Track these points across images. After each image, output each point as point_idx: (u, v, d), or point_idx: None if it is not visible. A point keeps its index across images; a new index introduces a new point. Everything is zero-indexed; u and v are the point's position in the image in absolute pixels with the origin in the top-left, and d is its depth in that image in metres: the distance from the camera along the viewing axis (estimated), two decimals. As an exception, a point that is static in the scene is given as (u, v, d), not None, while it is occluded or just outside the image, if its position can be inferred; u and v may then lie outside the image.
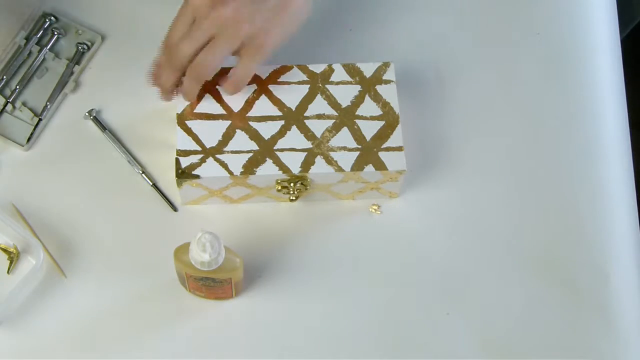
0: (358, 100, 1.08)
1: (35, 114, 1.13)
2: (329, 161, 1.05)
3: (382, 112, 1.08)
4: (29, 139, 1.12)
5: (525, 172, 1.13)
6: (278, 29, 1.01)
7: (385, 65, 1.10)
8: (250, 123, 1.07)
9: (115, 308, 1.05)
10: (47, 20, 1.17)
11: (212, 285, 1.00)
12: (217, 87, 1.07)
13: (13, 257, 1.07)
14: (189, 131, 1.06)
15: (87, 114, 1.13)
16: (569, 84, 1.18)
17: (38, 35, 1.16)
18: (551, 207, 1.12)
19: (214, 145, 1.05)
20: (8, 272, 1.06)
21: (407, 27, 1.21)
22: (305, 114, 1.07)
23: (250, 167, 1.05)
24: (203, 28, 0.99)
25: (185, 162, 1.04)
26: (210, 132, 1.06)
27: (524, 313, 1.07)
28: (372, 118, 1.07)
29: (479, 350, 1.06)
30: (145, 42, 1.17)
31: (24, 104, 1.13)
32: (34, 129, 1.12)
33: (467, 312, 1.07)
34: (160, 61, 1.04)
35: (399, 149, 1.06)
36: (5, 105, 1.12)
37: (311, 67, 1.10)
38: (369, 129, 1.07)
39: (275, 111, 1.07)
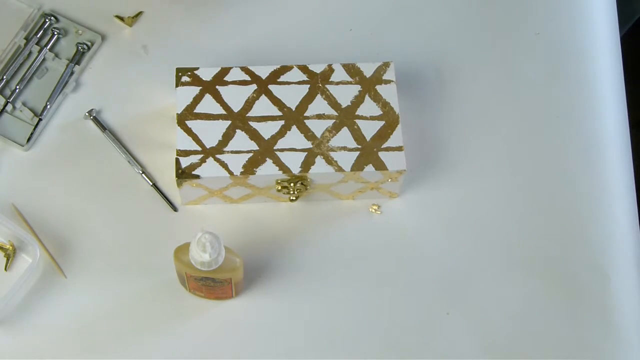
0: (358, 100, 1.08)
1: (35, 114, 1.13)
2: (329, 161, 1.05)
3: (382, 112, 1.08)
4: (29, 139, 1.12)
5: (525, 172, 1.13)
6: None
7: (385, 65, 1.10)
8: (250, 123, 1.07)
9: (115, 308, 1.05)
10: (47, 20, 1.16)
11: (212, 285, 1.00)
12: None
13: (9, 254, 1.07)
14: (189, 131, 1.06)
15: (87, 114, 1.13)
16: (569, 83, 1.18)
17: (38, 35, 1.16)
18: (551, 207, 1.12)
19: (214, 145, 1.05)
20: (5, 269, 1.06)
21: (407, 27, 1.21)
22: (305, 114, 1.07)
23: (250, 167, 1.05)
24: None
25: (185, 162, 1.04)
26: (210, 132, 1.06)
27: (524, 313, 1.07)
28: (372, 118, 1.07)
29: (479, 350, 1.06)
30: (145, 42, 1.17)
31: (24, 104, 1.13)
32: (34, 129, 1.12)
33: (467, 312, 1.07)
34: None
35: (399, 149, 1.06)
36: (5, 105, 1.12)
37: (311, 67, 1.10)
38: (369, 129, 1.07)
39: (275, 111, 1.07)
